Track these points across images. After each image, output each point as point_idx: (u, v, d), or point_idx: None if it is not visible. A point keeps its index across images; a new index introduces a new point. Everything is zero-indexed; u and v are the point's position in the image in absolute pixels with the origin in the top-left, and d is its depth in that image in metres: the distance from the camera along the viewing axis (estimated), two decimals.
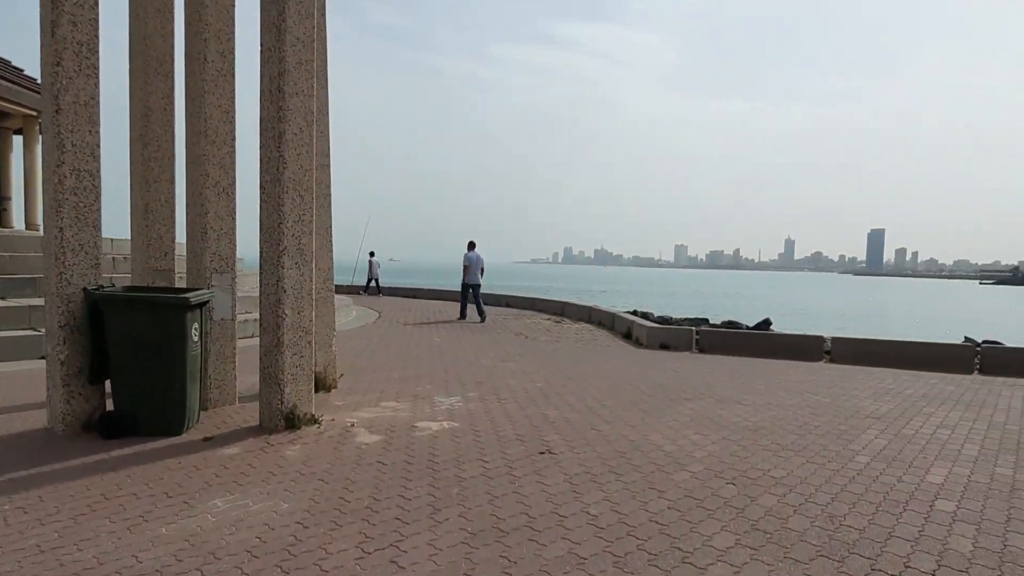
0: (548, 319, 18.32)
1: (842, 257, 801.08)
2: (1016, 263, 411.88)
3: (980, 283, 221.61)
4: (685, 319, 21.17)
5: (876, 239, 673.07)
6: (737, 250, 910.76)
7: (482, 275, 17.28)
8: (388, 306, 21.86)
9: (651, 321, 17.02)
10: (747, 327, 18.50)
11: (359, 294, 26.04)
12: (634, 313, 19.26)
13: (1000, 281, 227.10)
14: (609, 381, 9.12)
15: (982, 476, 5.19)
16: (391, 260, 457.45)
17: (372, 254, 26.60)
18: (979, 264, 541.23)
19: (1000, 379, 10.40)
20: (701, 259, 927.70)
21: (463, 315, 17.50)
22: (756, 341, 12.75)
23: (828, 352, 12.26)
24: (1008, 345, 14.03)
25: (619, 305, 35.57)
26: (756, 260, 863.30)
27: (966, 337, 16.27)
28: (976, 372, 11.10)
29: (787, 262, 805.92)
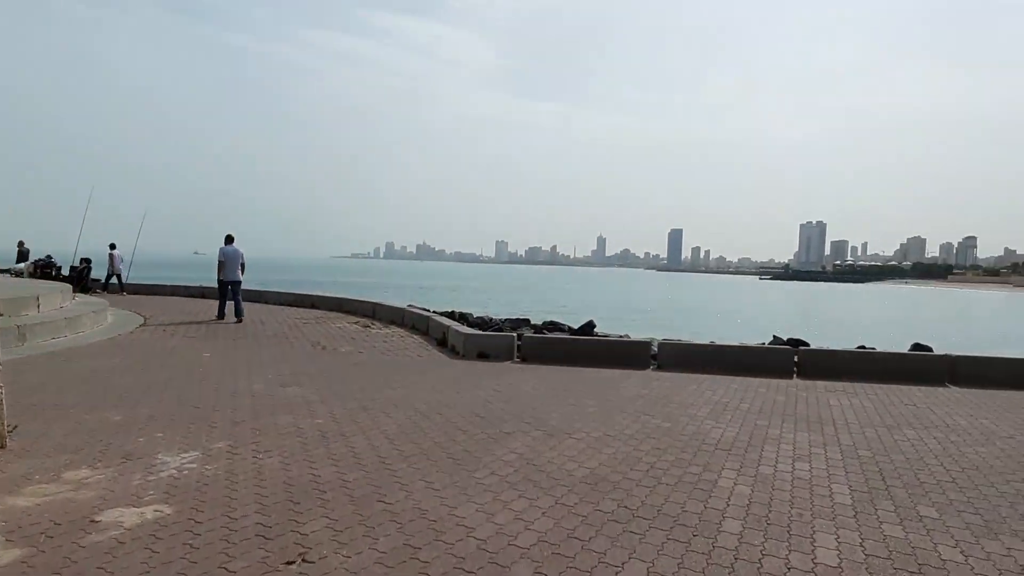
0: (355, 323, 16.13)
1: (647, 254, 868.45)
2: (787, 261, 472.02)
3: (760, 279, 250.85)
4: (507, 320, 19.99)
5: (676, 238, 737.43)
6: (554, 247, 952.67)
7: (243, 271, 16.22)
8: (150, 307, 18.31)
9: (468, 325, 15.50)
10: (570, 328, 17.65)
11: (97, 292, 21.98)
12: (451, 315, 17.67)
13: (776, 276, 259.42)
14: (414, 410, 7.30)
15: (875, 544, 4.06)
16: (196, 253, 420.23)
17: (113, 247, 22.79)
18: (759, 261, 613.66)
19: (820, 383, 10.06)
20: (520, 255, 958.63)
21: (221, 315, 16.09)
22: (582, 348, 11.63)
23: (655, 358, 11.44)
24: (815, 347, 14.21)
25: (440, 303, 34.05)
26: (571, 256, 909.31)
27: (775, 336, 16.57)
28: (795, 376, 10.78)
29: (599, 259, 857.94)
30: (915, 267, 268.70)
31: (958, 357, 10.89)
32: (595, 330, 16.47)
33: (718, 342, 14.12)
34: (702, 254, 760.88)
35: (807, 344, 15.55)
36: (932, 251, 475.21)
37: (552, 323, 19.69)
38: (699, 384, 9.65)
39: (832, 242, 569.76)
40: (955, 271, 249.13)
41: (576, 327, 17.47)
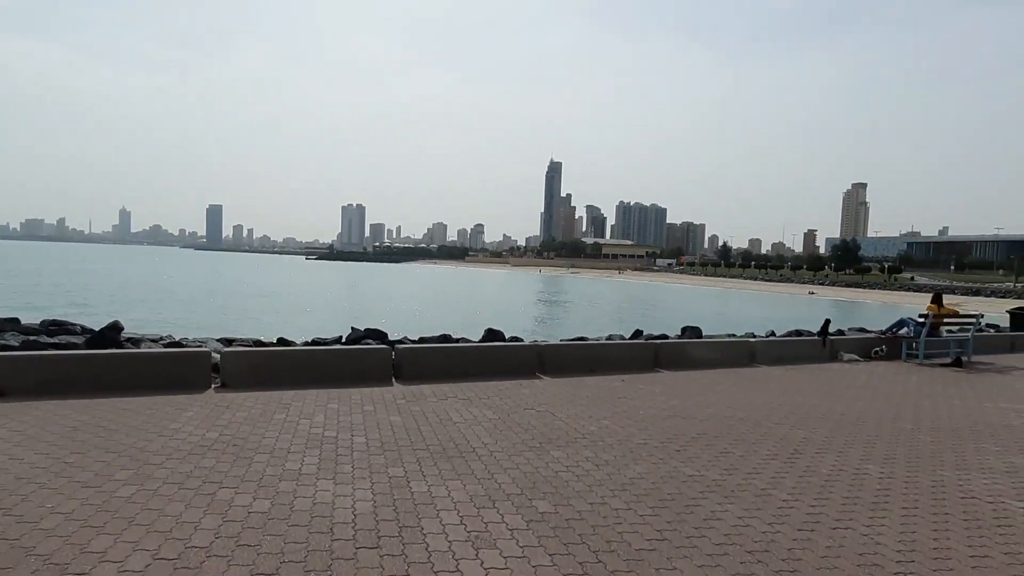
0: None
1: (183, 231, 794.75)
2: (331, 242, 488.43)
3: (307, 258, 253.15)
4: None
5: (215, 215, 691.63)
6: (62, 219, 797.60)
7: None
8: None
9: None
10: (83, 330, 12.84)
11: None
12: None
13: (321, 257, 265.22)
14: None
15: None
16: None
17: None
18: (304, 241, 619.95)
19: (425, 388, 8.60)
20: (15, 228, 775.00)
21: None
22: (99, 365, 7.87)
23: (217, 371, 8.44)
24: (409, 345, 12.93)
25: None
26: (87, 232, 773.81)
27: (353, 328, 14.81)
28: (394, 381, 9.13)
29: (123, 235, 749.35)
30: (440, 249, 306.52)
31: (546, 346, 10.71)
32: (122, 335, 12.13)
33: (300, 344, 11.71)
34: (245, 232, 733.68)
35: (385, 334, 14.26)
36: (452, 236, 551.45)
37: (55, 323, 14.30)
38: (288, 409, 7.14)
39: (371, 224, 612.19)
40: (470, 253, 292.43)
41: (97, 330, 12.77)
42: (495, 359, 9.87)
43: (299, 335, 16.87)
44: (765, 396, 9.13)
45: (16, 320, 14.43)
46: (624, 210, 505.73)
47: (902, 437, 7.05)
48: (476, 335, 18.50)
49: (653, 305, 58.11)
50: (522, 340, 12.25)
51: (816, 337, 13.57)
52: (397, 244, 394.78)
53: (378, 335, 14.22)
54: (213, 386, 8.19)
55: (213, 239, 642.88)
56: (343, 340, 14.03)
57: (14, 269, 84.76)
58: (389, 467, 5.29)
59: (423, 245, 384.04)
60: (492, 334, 14.89)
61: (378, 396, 8.04)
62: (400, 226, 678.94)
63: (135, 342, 10.36)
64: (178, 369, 8.03)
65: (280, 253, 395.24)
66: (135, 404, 7.05)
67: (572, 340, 11.76)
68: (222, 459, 5.31)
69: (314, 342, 13.54)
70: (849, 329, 17.32)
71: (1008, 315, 18.74)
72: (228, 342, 12.84)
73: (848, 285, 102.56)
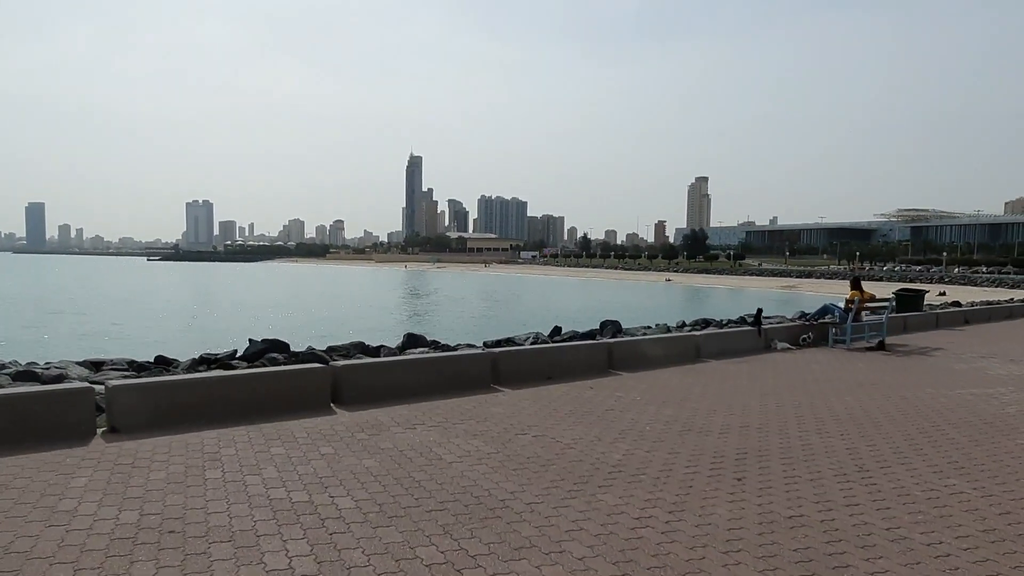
0: None
1: None
2: (175, 241, 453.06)
3: (148, 259, 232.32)
4: None
5: (36, 214, 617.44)
6: None
7: None
8: None
9: None
10: None
11: None
12: None
13: (165, 257, 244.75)
14: None
15: None
16: None
17: None
18: (144, 242, 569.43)
19: (367, 414, 7.04)
20: None
21: None
22: None
23: (103, 409, 6.41)
24: (348, 362, 11.22)
25: None
26: None
27: (251, 339, 12.67)
28: (334, 408, 7.49)
29: None
30: (299, 247, 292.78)
31: (501, 353, 9.37)
32: None
33: (192, 365, 9.59)
34: (73, 233, 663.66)
35: (287, 345, 12.28)
36: (310, 233, 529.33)
37: None
38: (220, 462, 5.36)
39: (220, 222, 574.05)
40: (331, 250, 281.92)
41: None
42: (447, 372, 8.43)
43: (176, 351, 14.33)
44: (747, 396, 8.43)
45: None
46: (486, 204, 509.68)
47: (967, 432, 6.56)
48: (379, 339, 16.79)
49: (543, 297, 58.13)
50: (475, 347, 10.78)
51: (751, 327, 13.28)
52: (251, 242, 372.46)
53: (280, 347, 12.26)
54: (99, 432, 6.16)
55: (35, 241, 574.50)
56: (238, 355, 11.92)
57: None
58: (415, 547, 3.82)
59: (280, 243, 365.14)
60: (414, 339, 13.36)
61: (327, 430, 6.40)
62: (253, 223, 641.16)
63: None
64: (47, 413, 5.91)
65: (116, 254, 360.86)
66: None
67: (527, 344, 10.47)
68: (163, 560, 3.58)
69: (204, 360, 11.37)
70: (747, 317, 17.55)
71: (895, 296, 19.74)
72: (96, 366, 10.41)
73: (700, 272, 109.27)
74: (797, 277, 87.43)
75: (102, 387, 6.43)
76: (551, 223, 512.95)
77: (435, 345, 12.44)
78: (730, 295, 61.49)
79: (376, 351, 12.02)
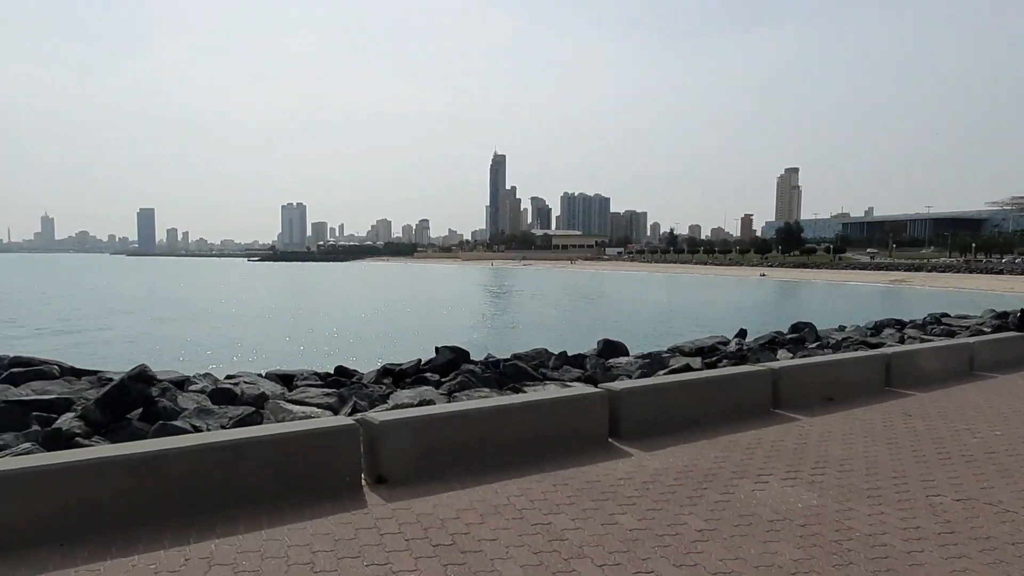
0: None
1: (112, 237, 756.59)
2: (271, 242, 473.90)
3: (248, 260, 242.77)
4: None
5: (147, 219, 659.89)
6: None
7: None
8: None
9: None
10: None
11: None
12: None
13: (264, 258, 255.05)
14: None
15: None
16: None
17: None
18: (243, 243, 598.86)
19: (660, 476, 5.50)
20: None
21: None
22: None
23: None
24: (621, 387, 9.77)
25: None
26: (5, 241, 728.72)
27: (437, 347, 11.43)
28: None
29: (47, 243, 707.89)
30: (387, 246, 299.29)
31: (782, 369, 7.64)
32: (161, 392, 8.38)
33: (465, 402, 8.39)
34: (180, 236, 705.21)
35: (467, 353, 10.94)
36: (396, 232, 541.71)
37: (20, 362, 10.51)
38: (538, 533, 3.96)
39: (313, 223, 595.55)
40: (418, 249, 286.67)
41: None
42: (727, 395, 6.84)
43: (321, 359, 13.41)
44: None
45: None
46: (569, 201, 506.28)
47: None
48: (507, 343, 15.23)
49: (665, 296, 55.82)
50: (749, 366, 9.06)
51: (1018, 332, 11.00)
52: (341, 242, 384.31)
53: (461, 355, 10.99)
54: (365, 484, 4.87)
55: (146, 244, 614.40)
56: (423, 363, 10.70)
57: None
58: None
59: (368, 242, 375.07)
60: (612, 347, 11.86)
61: (638, 480, 4.97)
62: (343, 224, 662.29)
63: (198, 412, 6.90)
64: (308, 459, 4.69)
65: (219, 256, 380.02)
66: (228, 552, 3.71)
67: (806, 359, 8.63)
68: None
69: (388, 371, 10.22)
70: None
71: None
72: (285, 380, 9.41)
73: (796, 266, 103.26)
74: (905, 271, 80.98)
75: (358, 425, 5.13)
76: (634, 219, 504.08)
77: (647, 354, 10.85)
78: (834, 291, 57.12)
79: (580, 361, 10.54)
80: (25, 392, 8.45)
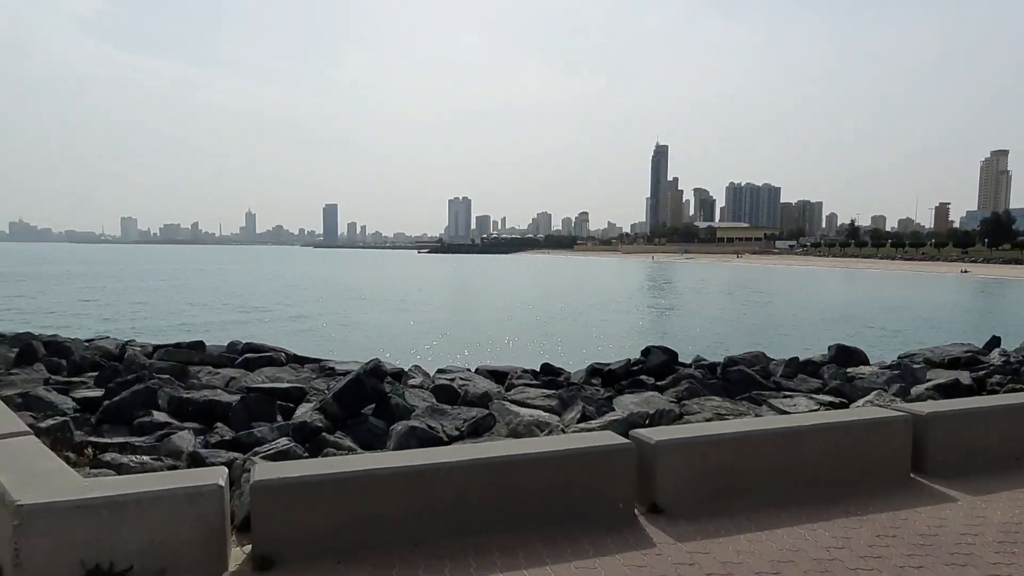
0: None
1: (301, 231, 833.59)
2: (439, 235, 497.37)
3: (419, 252, 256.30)
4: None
5: (331, 213, 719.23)
6: (196, 224, 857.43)
7: None
8: None
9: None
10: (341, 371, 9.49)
11: None
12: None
13: (433, 250, 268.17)
14: None
15: None
16: None
17: None
18: (413, 236, 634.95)
19: None
20: (155, 233, 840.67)
21: None
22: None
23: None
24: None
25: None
26: (217, 234, 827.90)
27: (650, 347, 10.69)
28: None
29: (249, 236, 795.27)
30: (547, 239, 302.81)
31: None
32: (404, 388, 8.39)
33: (749, 422, 7.77)
34: (358, 229, 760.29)
35: (675, 353, 10.00)
36: (556, 225, 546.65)
37: (253, 348, 11.15)
38: None
39: (477, 217, 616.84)
40: (578, 241, 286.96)
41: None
42: None
43: (510, 355, 13.09)
44: None
45: (200, 345, 11.24)
46: (734, 191, 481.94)
47: None
48: (697, 343, 14.00)
49: (870, 294, 51.17)
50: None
51: None
52: (504, 235, 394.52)
53: (672, 356, 10.15)
54: (638, 513, 4.25)
55: (329, 237, 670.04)
56: (632, 364, 9.99)
57: (155, 272, 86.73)
58: None
59: (529, 235, 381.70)
60: (846, 352, 10.44)
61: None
62: (505, 217, 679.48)
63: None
64: (577, 481, 4.12)
65: (392, 248, 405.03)
66: None
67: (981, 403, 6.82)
68: None
69: (595, 371, 9.61)
70: None
71: None
72: (498, 377, 9.10)
73: (1006, 262, 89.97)
74: None
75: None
76: (807, 209, 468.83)
77: (894, 364, 9.40)
78: None
79: (813, 369, 9.32)
80: (261, 379, 8.88)
